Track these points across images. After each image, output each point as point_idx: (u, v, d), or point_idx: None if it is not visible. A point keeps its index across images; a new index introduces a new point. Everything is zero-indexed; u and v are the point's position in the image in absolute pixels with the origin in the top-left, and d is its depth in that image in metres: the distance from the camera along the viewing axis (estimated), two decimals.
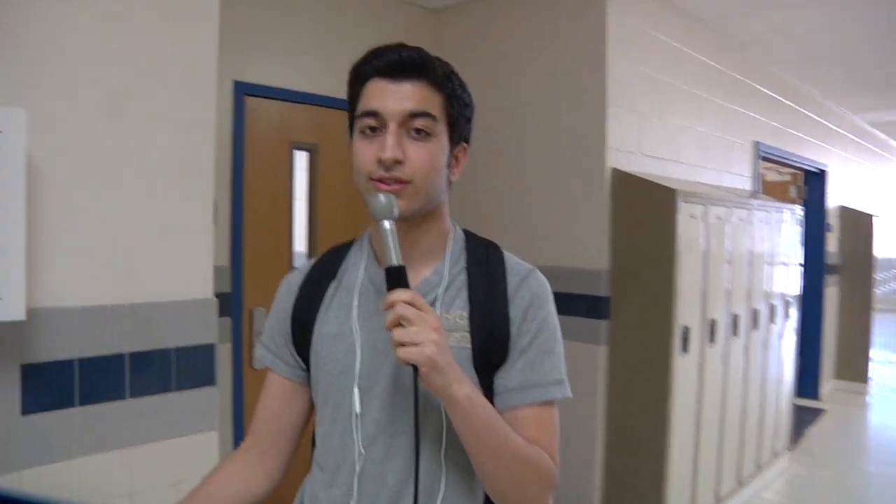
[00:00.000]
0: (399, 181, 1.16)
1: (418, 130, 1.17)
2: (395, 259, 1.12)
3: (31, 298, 1.80)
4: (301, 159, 3.70)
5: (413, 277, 1.20)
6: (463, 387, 1.09)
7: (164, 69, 2.07)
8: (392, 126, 1.16)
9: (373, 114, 1.18)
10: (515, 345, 1.22)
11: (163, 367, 2.06)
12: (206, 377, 2.14)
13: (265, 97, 3.44)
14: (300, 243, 3.73)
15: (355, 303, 1.27)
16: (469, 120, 1.28)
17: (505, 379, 1.22)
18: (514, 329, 1.22)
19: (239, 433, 3.24)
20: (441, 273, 1.26)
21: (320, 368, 1.28)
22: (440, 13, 4.33)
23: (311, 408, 1.37)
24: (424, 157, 1.17)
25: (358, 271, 1.30)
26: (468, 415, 1.10)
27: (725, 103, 4.71)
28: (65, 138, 1.90)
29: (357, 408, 1.21)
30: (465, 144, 1.29)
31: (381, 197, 1.14)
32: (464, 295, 1.24)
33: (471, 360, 1.20)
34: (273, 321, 1.38)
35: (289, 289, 1.37)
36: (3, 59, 1.80)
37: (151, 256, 2.06)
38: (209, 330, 2.17)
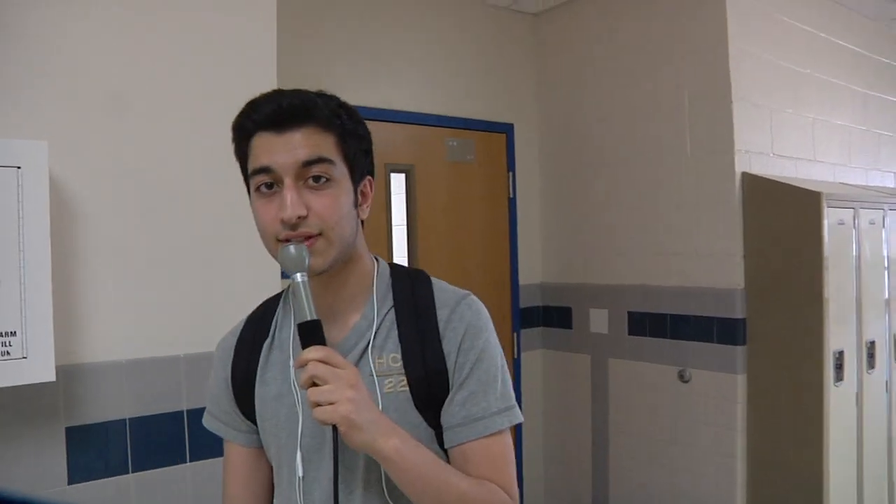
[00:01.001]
0: (308, 237, 1.11)
1: (316, 178, 1.12)
2: (308, 313, 1.09)
3: (71, 354, 1.60)
4: (398, 182, 3.52)
5: (342, 326, 1.20)
6: (389, 440, 1.06)
7: (222, 90, 1.85)
8: (287, 180, 1.10)
9: (265, 170, 1.12)
10: (454, 379, 1.17)
11: None
12: None
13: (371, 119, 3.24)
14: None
15: (291, 361, 1.21)
16: (368, 152, 1.22)
17: (448, 415, 1.17)
18: (450, 364, 1.18)
19: None
20: (369, 317, 1.21)
21: (267, 432, 1.24)
22: (538, 17, 4.05)
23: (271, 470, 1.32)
24: (328, 205, 1.12)
25: (289, 327, 1.25)
26: (400, 468, 1.08)
27: (869, 91, 4.18)
28: (100, 173, 1.71)
29: (299, 471, 1.18)
30: (369, 178, 1.23)
31: (292, 248, 1.09)
32: (394, 335, 1.19)
33: (411, 402, 1.16)
34: (214, 388, 1.33)
35: (224, 353, 1.32)
36: (25, 90, 1.63)
37: (209, 299, 1.83)
38: None
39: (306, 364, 1.05)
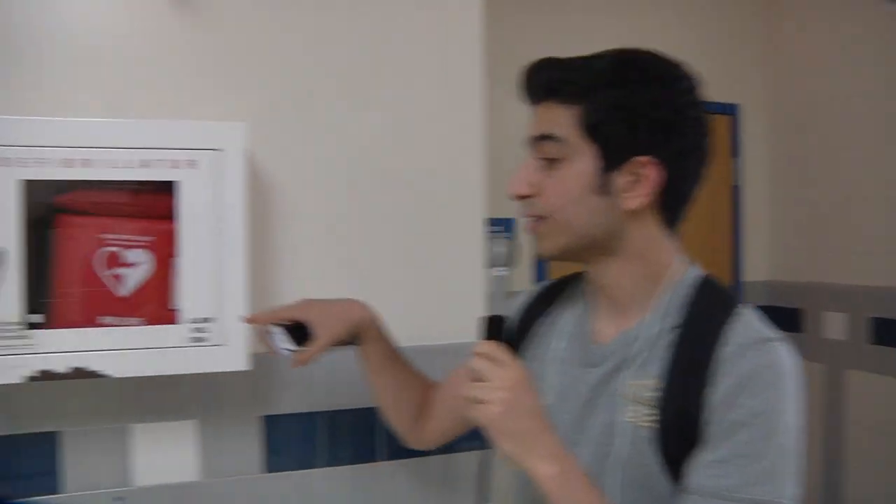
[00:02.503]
0: (536, 218, 1.08)
1: (547, 157, 1.05)
2: (495, 308, 1.09)
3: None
4: None
5: (616, 328, 1.09)
6: (544, 465, 0.94)
7: (422, 72, 1.74)
8: (530, 156, 1.08)
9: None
10: (708, 435, 0.95)
11: None
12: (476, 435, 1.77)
13: None
14: None
15: (563, 345, 1.16)
16: (640, 127, 1.01)
17: (687, 475, 0.96)
18: (705, 416, 0.95)
19: None
20: (640, 328, 1.06)
21: None
22: None
23: None
24: (552, 187, 1.04)
25: (569, 311, 1.20)
26: (552, 500, 0.94)
27: None
28: (300, 156, 1.66)
29: None
30: (648, 158, 1.01)
31: (497, 243, 1.00)
32: (663, 359, 1.01)
33: (654, 443, 0.98)
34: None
35: (521, 304, 1.32)
36: (225, 74, 1.61)
37: (409, 289, 1.73)
38: None
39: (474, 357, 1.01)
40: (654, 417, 0.99)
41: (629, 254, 1.07)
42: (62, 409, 1.52)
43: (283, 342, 1.36)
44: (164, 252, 1.42)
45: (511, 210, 3.25)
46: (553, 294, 1.27)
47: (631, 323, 1.08)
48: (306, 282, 1.65)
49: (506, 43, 2.58)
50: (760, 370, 0.95)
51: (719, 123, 3.75)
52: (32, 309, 1.36)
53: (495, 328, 1.03)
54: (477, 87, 1.77)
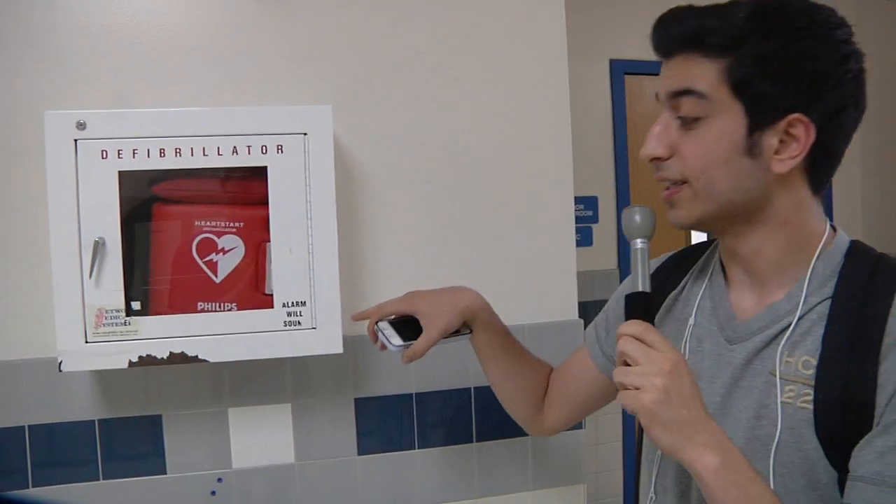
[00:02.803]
0: (668, 183, 0.99)
1: (684, 116, 0.95)
2: (640, 284, 0.96)
3: (358, 325, 1.57)
4: None
5: (759, 302, 1.00)
6: (706, 454, 0.84)
7: (506, 56, 1.71)
8: (664, 114, 0.98)
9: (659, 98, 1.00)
10: (882, 419, 0.85)
11: None
12: None
13: (650, 73, 2.98)
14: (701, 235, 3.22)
15: (691, 321, 1.08)
16: (795, 81, 0.90)
17: (857, 461, 0.86)
18: (881, 398, 0.85)
19: (630, 482, 2.80)
20: (794, 300, 0.96)
21: None
22: None
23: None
24: (692, 148, 0.95)
25: (702, 284, 1.11)
26: (713, 494, 0.84)
27: None
28: (384, 138, 1.65)
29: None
30: (798, 116, 0.91)
31: (634, 210, 0.99)
32: (818, 334, 0.92)
33: (811, 424, 0.89)
34: (613, 302, 1.28)
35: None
36: (310, 58, 1.61)
37: (495, 271, 1.71)
38: None
39: (622, 338, 0.92)
40: (812, 397, 0.90)
41: (775, 221, 0.97)
42: (164, 393, 1.56)
43: (392, 337, 1.30)
44: (257, 237, 1.44)
45: (595, 188, 3.22)
46: (682, 266, 1.19)
47: (777, 295, 0.99)
48: (393, 264, 1.65)
49: (585, 15, 2.53)
50: None
51: None
52: (133, 297, 1.40)
53: (641, 306, 0.96)
54: (562, 67, 1.73)
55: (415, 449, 1.66)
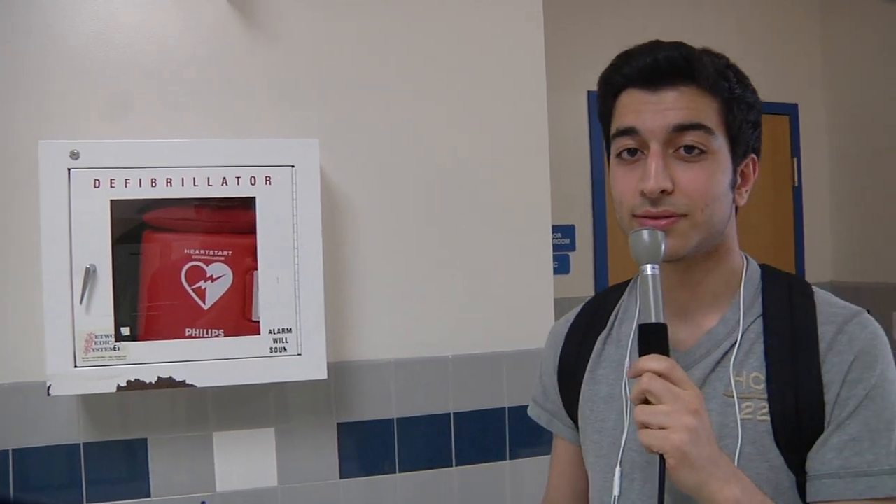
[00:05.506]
0: (670, 216, 0.95)
1: (689, 148, 0.96)
2: (653, 315, 0.92)
3: (341, 351, 1.62)
4: None
5: (693, 331, 1.03)
6: (726, 487, 0.86)
7: (490, 81, 1.78)
8: (654, 146, 0.96)
9: (629, 132, 0.98)
10: (833, 416, 0.93)
11: (496, 429, 1.75)
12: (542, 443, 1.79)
13: None
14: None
15: (627, 362, 1.07)
16: (756, 125, 1.03)
17: (818, 461, 0.93)
18: (829, 396, 0.93)
19: None
20: (730, 323, 1.02)
21: (588, 436, 1.12)
22: None
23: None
24: (699, 181, 0.95)
25: (632, 322, 1.10)
26: None
27: None
28: (368, 169, 1.71)
29: (615, 489, 1.03)
30: (753, 157, 1.04)
31: (645, 234, 0.94)
32: (759, 351, 0.99)
33: (771, 435, 0.95)
34: (543, 376, 1.24)
35: (554, 341, 1.22)
36: (297, 90, 1.67)
37: (477, 300, 1.76)
38: None
39: (641, 374, 0.90)
40: (768, 409, 0.95)
41: (723, 250, 1.03)
42: (150, 417, 1.59)
43: None
44: (245, 265, 1.48)
45: (573, 217, 3.27)
46: (606, 307, 1.18)
47: (710, 322, 1.03)
48: (376, 291, 1.70)
49: (563, 46, 2.60)
50: (869, 343, 0.95)
51: (779, 124, 3.71)
52: (122, 322, 1.43)
53: (660, 339, 0.92)
54: (541, 98, 1.81)
55: (395, 473, 1.69)
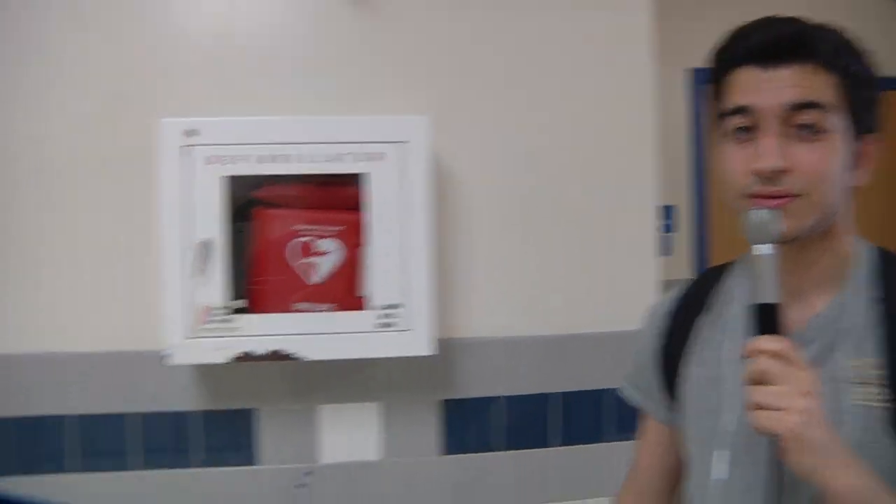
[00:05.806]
0: (785, 195, 0.93)
1: (804, 127, 0.93)
2: (769, 295, 0.90)
3: (447, 328, 1.63)
4: None
5: (803, 313, 0.99)
6: (844, 474, 0.84)
7: (596, 65, 1.75)
8: (769, 126, 0.93)
9: (742, 110, 0.95)
10: None
11: (594, 410, 1.74)
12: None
13: None
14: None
15: (736, 343, 1.03)
16: (874, 102, 0.99)
17: None
18: None
19: None
20: (841, 307, 0.99)
21: (691, 418, 1.09)
22: None
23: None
24: (816, 160, 0.93)
25: (740, 303, 1.06)
26: None
27: None
28: (476, 147, 1.70)
29: (720, 473, 1.02)
30: (873, 135, 1.00)
31: (763, 214, 0.91)
32: (877, 335, 0.95)
33: (888, 421, 0.91)
34: (639, 356, 1.23)
35: (653, 321, 1.21)
36: (409, 68, 1.68)
37: (582, 279, 1.74)
38: None
39: (755, 355, 0.88)
40: (884, 396, 0.92)
41: (836, 231, 1.00)
42: (259, 388, 1.63)
43: None
44: (354, 241, 1.50)
45: (673, 198, 3.20)
46: (706, 288, 1.16)
47: (822, 303, 1.00)
48: (481, 270, 1.70)
49: (664, 22, 2.53)
50: None
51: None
52: (236, 295, 1.47)
53: (776, 319, 0.90)
54: (648, 78, 1.76)
55: (497, 451, 1.70)
